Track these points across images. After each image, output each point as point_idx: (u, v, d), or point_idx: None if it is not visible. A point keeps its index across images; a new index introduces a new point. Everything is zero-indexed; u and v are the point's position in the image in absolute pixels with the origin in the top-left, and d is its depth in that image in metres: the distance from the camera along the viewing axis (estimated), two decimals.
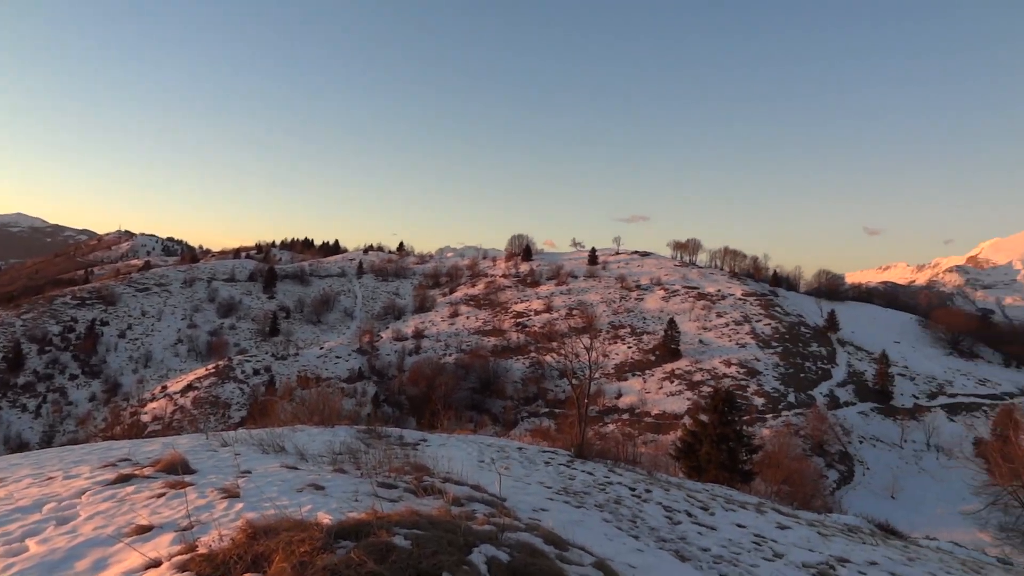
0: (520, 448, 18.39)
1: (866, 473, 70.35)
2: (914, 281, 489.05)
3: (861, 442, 76.62)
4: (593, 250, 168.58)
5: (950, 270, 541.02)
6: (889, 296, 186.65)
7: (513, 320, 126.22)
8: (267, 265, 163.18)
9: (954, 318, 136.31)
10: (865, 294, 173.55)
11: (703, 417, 32.67)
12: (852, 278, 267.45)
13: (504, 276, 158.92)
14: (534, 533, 6.26)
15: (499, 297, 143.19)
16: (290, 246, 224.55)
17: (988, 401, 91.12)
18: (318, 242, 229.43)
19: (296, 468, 8.89)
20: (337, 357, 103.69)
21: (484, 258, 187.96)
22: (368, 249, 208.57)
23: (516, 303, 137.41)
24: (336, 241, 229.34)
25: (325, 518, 5.54)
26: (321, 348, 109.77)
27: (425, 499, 7.29)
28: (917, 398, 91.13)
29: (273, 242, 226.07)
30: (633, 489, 13.42)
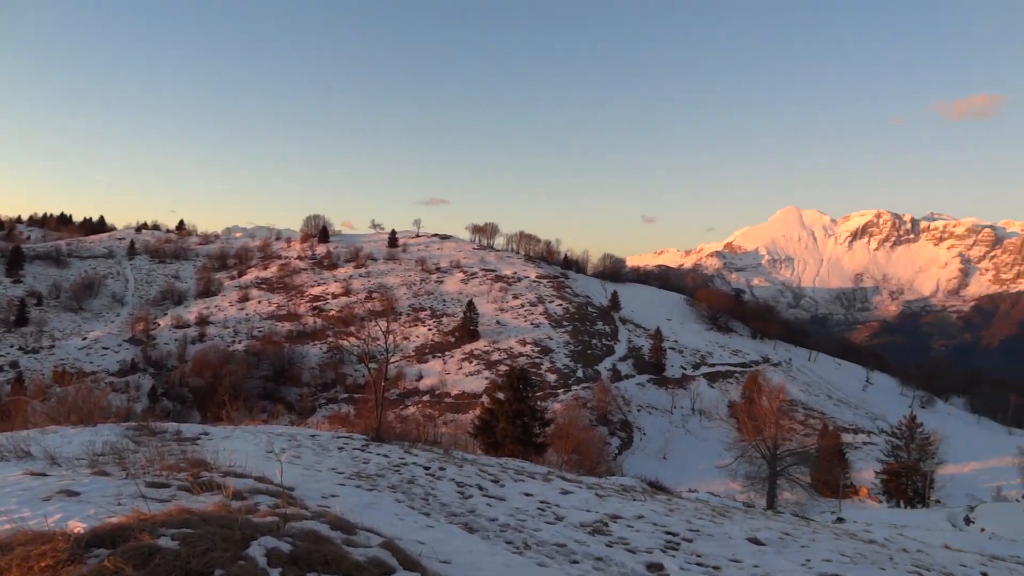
0: (313, 435, 17.84)
1: (643, 438, 78.29)
2: (683, 264, 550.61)
3: (639, 410, 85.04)
4: (393, 232, 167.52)
5: (711, 255, 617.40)
6: (663, 278, 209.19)
7: (309, 304, 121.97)
8: (11, 244, 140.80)
9: (714, 297, 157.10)
10: (643, 276, 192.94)
11: (500, 395, 34.07)
12: (632, 262, 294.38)
13: (299, 258, 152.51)
14: (321, 520, 6.14)
15: (294, 280, 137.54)
16: (42, 222, 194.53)
17: (739, 369, 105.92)
18: (78, 218, 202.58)
19: (44, 475, 7.85)
20: (104, 348, 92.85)
21: (277, 239, 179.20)
22: (142, 227, 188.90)
23: (312, 286, 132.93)
24: (101, 217, 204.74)
25: (77, 526, 4.98)
26: (84, 339, 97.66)
27: (202, 496, 6.83)
28: (684, 368, 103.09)
29: (19, 217, 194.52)
30: (428, 468, 13.65)
